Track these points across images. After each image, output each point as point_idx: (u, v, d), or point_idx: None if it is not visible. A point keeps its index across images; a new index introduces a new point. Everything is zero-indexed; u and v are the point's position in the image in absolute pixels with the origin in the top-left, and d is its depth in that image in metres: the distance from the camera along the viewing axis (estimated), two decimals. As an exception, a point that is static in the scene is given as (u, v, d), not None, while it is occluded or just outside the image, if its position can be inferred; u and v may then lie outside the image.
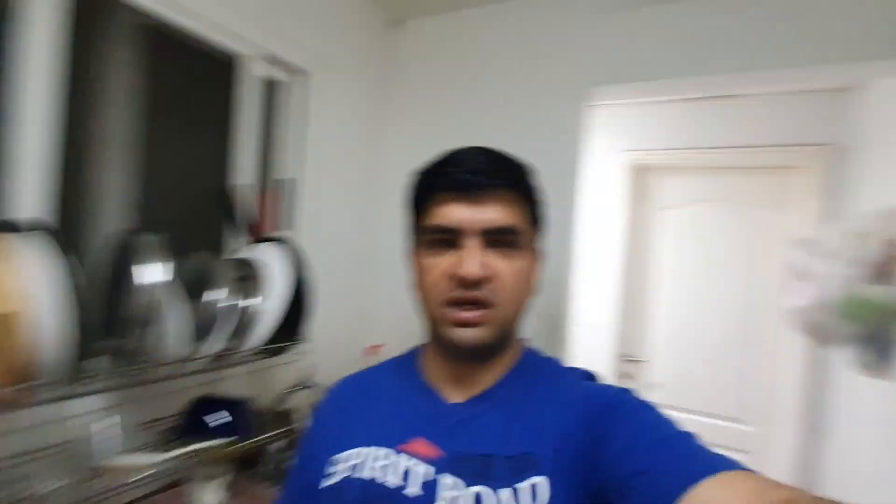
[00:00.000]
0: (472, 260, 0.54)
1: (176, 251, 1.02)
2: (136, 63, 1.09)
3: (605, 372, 2.37)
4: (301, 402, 1.22)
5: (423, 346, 0.68)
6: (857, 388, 1.68)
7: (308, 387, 1.15)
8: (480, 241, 0.55)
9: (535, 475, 0.52)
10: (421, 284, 0.60)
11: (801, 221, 2.05)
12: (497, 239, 0.56)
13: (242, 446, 0.97)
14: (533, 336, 1.45)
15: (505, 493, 0.51)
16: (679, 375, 2.33)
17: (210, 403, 0.99)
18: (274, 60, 1.34)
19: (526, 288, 0.59)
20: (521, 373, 0.62)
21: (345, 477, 0.57)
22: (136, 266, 0.78)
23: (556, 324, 1.51)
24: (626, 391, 0.57)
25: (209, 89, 1.28)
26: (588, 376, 0.64)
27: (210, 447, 0.93)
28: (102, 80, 1.04)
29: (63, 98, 0.92)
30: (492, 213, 0.55)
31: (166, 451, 0.91)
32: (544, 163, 1.50)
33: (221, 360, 0.94)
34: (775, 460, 2.12)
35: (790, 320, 1.28)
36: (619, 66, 1.45)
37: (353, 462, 0.58)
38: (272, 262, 1.04)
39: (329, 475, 0.59)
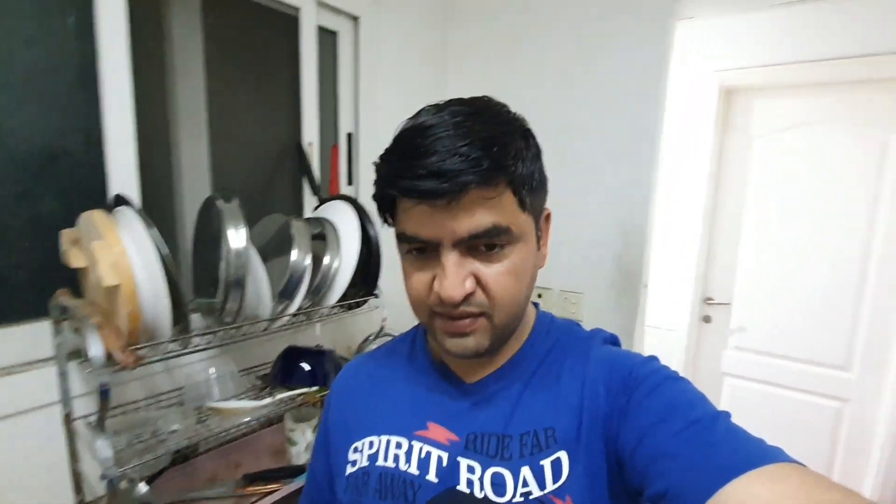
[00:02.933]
0: (452, 279, 0.46)
1: (255, 213, 1.08)
2: (204, 26, 1.09)
3: (683, 315, 2.26)
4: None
5: None
6: None
7: (380, 336, 1.21)
8: (460, 249, 0.47)
9: (556, 450, 0.49)
10: (406, 287, 0.53)
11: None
12: (480, 243, 0.47)
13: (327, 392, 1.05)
14: (605, 283, 1.43)
15: (525, 471, 0.49)
16: (768, 319, 2.18)
17: (296, 354, 1.07)
18: (325, 6, 1.30)
19: (523, 279, 0.50)
20: (535, 344, 0.57)
21: (363, 466, 0.56)
22: (227, 231, 0.82)
23: (630, 270, 1.44)
24: (651, 360, 0.52)
25: (272, 47, 1.27)
26: (610, 340, 0.58)
27: (301, 394, 1.01)
28: (173, 46, 1.06)
29: (137, 67, 0.94)
30: (470, 219, 0.45)
31: (261, 396, 1.01)
32: (622, 91, 1.40)
33: (303, 315, 1.00)
34: (880, 409, 1.97)
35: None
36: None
37: (369, 452, 0.56)
38: (343, 220, 1.06)
39: (349, 463, 0.58)
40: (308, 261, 0.93)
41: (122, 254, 0.70)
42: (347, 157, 1.39)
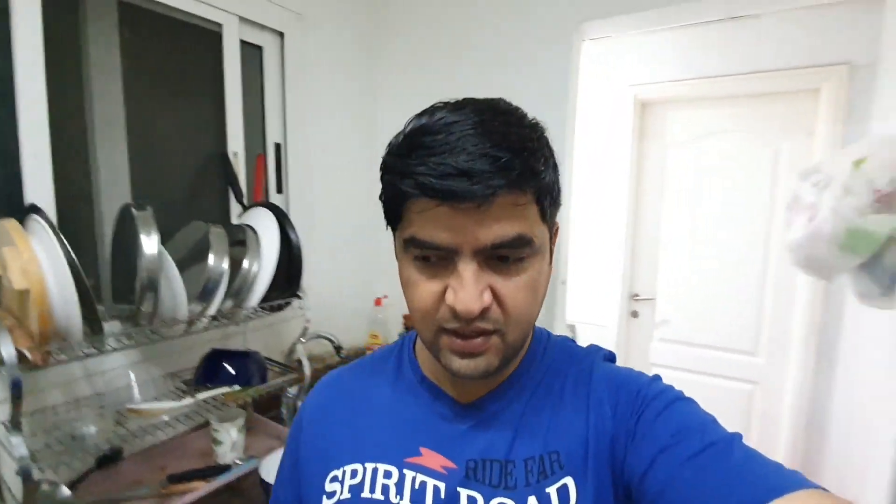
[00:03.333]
0: (470, 290, 0.42)
1: (181, 221, 1.12)
2: (121, 41, 1.13)
3: (613, 311, 2.42)
4: (309, 352, 1.35)
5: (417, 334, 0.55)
6: (872, 319, 1.67)
7: (311, 338, 1.26)
8: (479, 259, 0.43)
9: (562, 476, 0.46)
10: (408, 299, 0.47)
11: (826, 148, 1.95)
12: (500, 254, 0.43)
13: (251, 392, 1.10)
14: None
15: (532, 501, 0.45)
16: (687, 312, 2.36)
17: (220, 356, 1.11)
18: (248, 22, 1.36)
19: (538, 294, 0.47)
20: (534, 361, 0.53)
21: (344, 499, 0.49)
22: (140, 237, 0.87)
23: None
24: (656, 379, 0.50)
25: (197, 60, 1.32)
26: (608, 358, 0.55)
27: (222, 393, 1.05)
28: (89, 61, 1.09)
29: (53, 82, 0.98)
30: (496, 226, 0.41)
31: (184, 398, 1.05)
32: (538, 105, 1.50)
33: (225, 318, 1.05)
34: (785, 389, 2.17)
35: (790, 254, 1.27)
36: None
37: (351, 482, 0.50)
38: (263, 226, 1.12)
39: (325, 494, 0.51)
40: (225, 264, 0.98)
41: (32, 259, 0.74)
42: (276, 167, 1.45)
